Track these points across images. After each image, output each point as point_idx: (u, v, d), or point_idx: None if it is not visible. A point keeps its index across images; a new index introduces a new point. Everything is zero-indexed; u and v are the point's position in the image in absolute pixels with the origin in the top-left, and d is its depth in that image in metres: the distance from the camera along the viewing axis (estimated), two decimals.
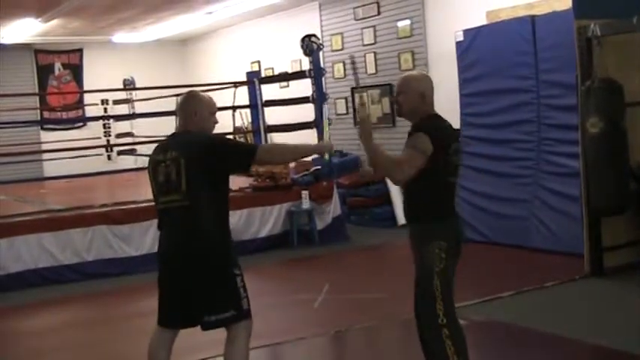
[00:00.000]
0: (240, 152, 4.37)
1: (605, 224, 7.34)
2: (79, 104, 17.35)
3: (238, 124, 12.58)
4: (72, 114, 17.43)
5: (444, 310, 4.17)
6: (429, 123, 4.27)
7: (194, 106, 4.39)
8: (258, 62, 15.16)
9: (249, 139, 13.12)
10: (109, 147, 15.25)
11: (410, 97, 4.31)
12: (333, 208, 10.27)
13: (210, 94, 9.10)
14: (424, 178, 4.19)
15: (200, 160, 4.18)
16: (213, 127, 4.48)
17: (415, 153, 4.13)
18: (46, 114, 17.53)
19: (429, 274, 4.18)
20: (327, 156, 7.11)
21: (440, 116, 4.39)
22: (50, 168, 15.12)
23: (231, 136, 11.84)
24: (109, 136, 15.99)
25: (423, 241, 4.24)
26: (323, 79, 10.83)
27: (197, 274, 4.14)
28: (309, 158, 10.44)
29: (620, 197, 7.00)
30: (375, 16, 12.20)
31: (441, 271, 4.18)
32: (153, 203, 4.43)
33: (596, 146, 6.97)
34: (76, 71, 17.52)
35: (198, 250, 4.15)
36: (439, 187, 4.27)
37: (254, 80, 11.66)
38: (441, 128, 4.30)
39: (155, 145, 4.54)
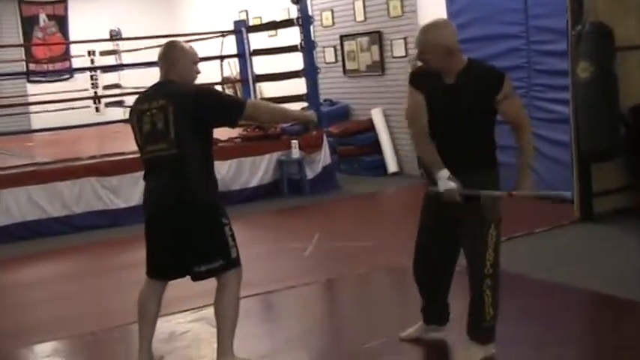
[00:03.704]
0: (230, 106, 4.32)
1: (595, 170, 7.34)
2: (66, 56, 17.17)
3: (226, 73, 12.48)
4: (58, 66, 17.24)
5: (493, 261, 4.17)
6: (492, 66, 4.32)
7: (176, 56, 4.34)
8: (246, 11, 14.99)
9: (237, 88, 13.04)
10: (96, 99, 15.13)
11: (435, 56, 4.12)
12: (323, 157, 10.23)
13: (197, 43, 9.05)
14: (491, 122, 4.19)
15: (189, 109, 4.15)
16: (196, 76, 4.43)
17: (521, 104, 4.26)
18: (32, 66, 17.33)
19: (487, 223, 4.15)
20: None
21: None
22: (37, 120, 14.99)
23: (219, 87, 11.79)
24: (97, 87, 15.85)
25: (486, 189, 4.15)
26: (311, 27, 10.74)
27: (185, 224, 4.13)
28: (299, 106, 10.39)
29: (610, 142, 6.97)
30: None
31: (499, 220, 4.18)
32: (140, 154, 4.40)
33: (586, 91, 6.93)
34: (62, 22, 17.29)
35: (186, 199, 4.13)
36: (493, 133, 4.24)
37: (242, 29, 11.55)
38: None
39: None
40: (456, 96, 4.14)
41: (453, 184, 4.07)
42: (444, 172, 4.11)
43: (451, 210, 4.18)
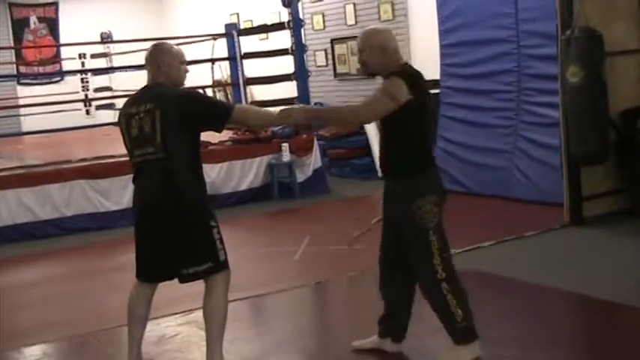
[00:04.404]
0: (216, 111, 4.30)
1: (585, 174, 7.35)
2: (56, 58, 17.15)
3: (217, 77, 12.48)
4: (49, 68, 17.23)
5: (442, 265, 4.16)
6: (404, 70, 4.21)
7: (163, 58, 4.32)
8: (237, 14, 15.01)
9: (228, 91, 13.04)
10: (87, 101, 15.11)
11: (371, 54, 4.23)
12: (314, 160, 10.24)
13: (188, 46, 9.04)
14: (406, 128, 4.14)
15: (175, 113, 4.13)
16: (185, 76, 4.42)
17: (382, 97, 4.09)
18: (23, 68, 17.31)
19: (424, 231, 4.14)
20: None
21: (412, 66, 4.36)
22: (28, 123, 14.97)
23: (209, 91, 11.79)
24: (87, 90, 15.84)
25: (413, 197, 4.15)
26: (302, 30, 10.75)
27: (173, 227, 4.12)
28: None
29: (599, 146, 7.00)
30: None
31: (436, 226, 4.16)
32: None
33: (576, 96, 6.95)
34: (52, 25, 17.27)
35: (174, 203, 4.12)
36: (421, 138, 4.21)
37: (233, 32, 11.56)
38: (416, 75, 4.23)
39: None
40: None
41: None
42: None
43: (393, 216, 4.27)
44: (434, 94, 9.44)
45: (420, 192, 4.16)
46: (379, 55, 4.21)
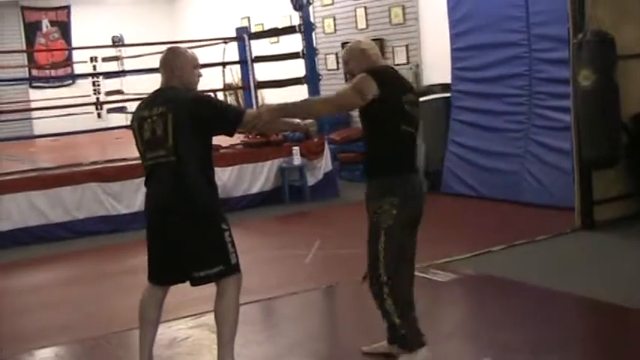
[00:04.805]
0: (228, 116, 4.31)
1: (597, 177, 7.34)
2: (68, 62, 17.21)
3: (228, 80, 12.51)
4: (60, 72, 17.28)
5: (385, 268, 4.14)
6: (375, 68, 4.24)
7: (176, 61, 4.34)
8: (248, 18, 15.03)
9: (239, 95, 13.06)
10: (98, 105, 15.15)
11: (355, 60, 4.31)
12: (324, 163, 10.25)
13: (199, 50, 9.06)
14: (378, 128, 4.17)
15: (187, 116, 4.14)
16: (198, 80, 4.43)
17: (349, 91, 4.14)
18: (35, 72, 17.38)
19: (377, 231, 4.16)
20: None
21: (390, 67, 4.39)
22: (40, 126, 15.04)
23: (221, 94, 11.81)
24: (99, 93, 15.88)
25: (375, 196, 4.19)
26: (313, 34, 10.77)
27: (185, 230, 4.13)
28: None
29: (611, 150, 6.98)
30: None
31: (389, 228, 4.13)
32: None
33: (587, 99, 6.93)
34: (64, 28, 17.33)
35: (185, 206, 4.13)
36: (395, 138, 4.18)
37: (244, 36, 11.58)
38: (389, 74, 4.27)
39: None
40: None
41: None
42: None
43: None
44: (444, 97, 9.55)
45: (384, 193, 4.16)
46: (360, 58, 4.29)
